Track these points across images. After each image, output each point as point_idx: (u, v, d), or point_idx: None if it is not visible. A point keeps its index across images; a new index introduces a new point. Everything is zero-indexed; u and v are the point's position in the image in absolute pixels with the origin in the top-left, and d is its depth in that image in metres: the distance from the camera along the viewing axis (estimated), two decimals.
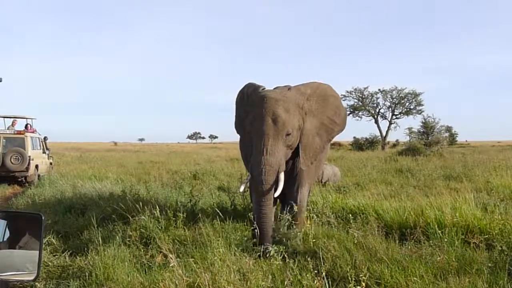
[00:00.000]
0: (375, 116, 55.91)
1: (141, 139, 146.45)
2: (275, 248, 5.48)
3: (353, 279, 4.50)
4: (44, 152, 17.90)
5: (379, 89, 55.79)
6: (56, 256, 6.10)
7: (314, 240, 5.99)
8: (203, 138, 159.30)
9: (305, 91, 6.91)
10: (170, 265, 5.07)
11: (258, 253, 5.82)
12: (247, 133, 6.74)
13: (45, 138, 18.34)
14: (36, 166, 16.28)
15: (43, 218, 2.48)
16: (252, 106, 6.58)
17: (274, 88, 6.96)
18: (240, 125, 7.27)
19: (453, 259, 5.26)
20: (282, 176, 6.42)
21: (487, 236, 6.22)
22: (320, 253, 5.47)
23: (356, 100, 56.56)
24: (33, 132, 17.01)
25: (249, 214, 7.57)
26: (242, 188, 6.68)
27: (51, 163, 19.28)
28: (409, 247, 5.89)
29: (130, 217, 7.44)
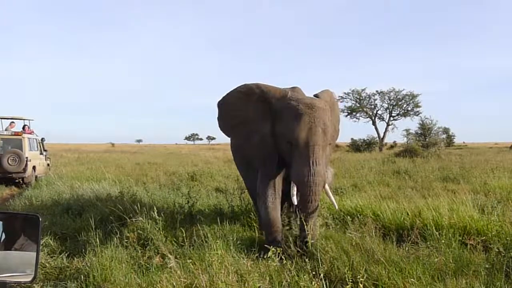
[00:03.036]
0: (373, 118, 55.97)
1: (139, 140, 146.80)
2: (273, 249, 5.48)
3: (351, 280, 4.50)
4: (41, 153, 17.87)
5: (376, 91, 55.93)
6: (54, 258, 6.09)
7: (312, 241, 6.00)
8: (201, 139, 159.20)
9: (328, 99, 6.82)
10: (169, 265, 5.07)
11: (256, 255, 5.85)
12: (273, 141, 6.50)
13: (42, 139, 18.30)
14: (34, 167, 16.26)
15: (40, 219, 2.48)
16: (293, 116, 6.21)
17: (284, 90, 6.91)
18: (239, 127, 6.93)
19: (450, 261, 5.26)
20: (327, 187, 6.44)
21: (484, 237, 6.23)
22: (318, 255, 5.47)
23: (353, 102, 56.66)
24: (30, 133, 16.98)
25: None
26: (295, 200, 6.29)
27: (48, 164, 19.27)
28: (407, 248, 5.89)
29: (127, 219, 7.43)
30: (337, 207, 6.86)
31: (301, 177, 6.10)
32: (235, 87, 7.15)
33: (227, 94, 7.23)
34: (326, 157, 6.55)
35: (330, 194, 6.54)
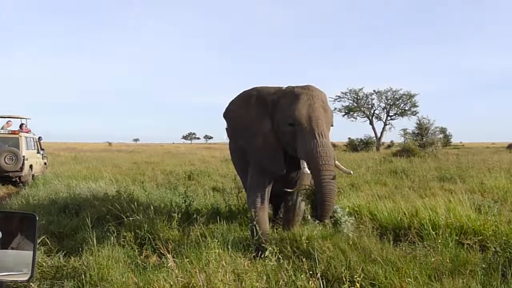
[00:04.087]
0: (370, 117, 56.07)
1: (136, 139, 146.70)
2: (270, 249, 5.48)
3: (348, 280, 4.51)
4: (38, 152, 17.84)
5: (374, 90, 56.05)
6: (50, 257, 6.07)
7: (307, 241, 6.00)
8: (198, 138, 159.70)
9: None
10: (168, 264, 5.07)
11: (254, 254, 5.85)
12: (275, 139, 6.48)
13: (39, 138, 18.28)
14: (31, 166, 16.23)
15: (37, 218, 2.47)
16: (292, 98, 6.27)
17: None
18: (244, 132, 6.86)
19: (447, 260, 5.27)
20: (337, 162, 6.29)
21: (481, 237, 6.24)
22: (315, 254, 5.47)
23: (351, 101, 56.74)
24: (27, 132, 16.95)
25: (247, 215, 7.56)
26: (307, 170, 6.03)
27: (45, 163, 19.22)
28: (404, 248, 5.90)
29: (124, 218, 7.42)
30: (352, 173, 6.85)
31: (309, 151, 5.99)
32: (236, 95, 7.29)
33: (229, 103, 7.30)
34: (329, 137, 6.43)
35: (341, 166, 6.41)
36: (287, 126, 6.25)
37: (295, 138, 6.20)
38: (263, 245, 5.85)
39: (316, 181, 6.05)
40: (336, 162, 6.25)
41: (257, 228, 6.34)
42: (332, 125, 6.44)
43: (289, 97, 6.35)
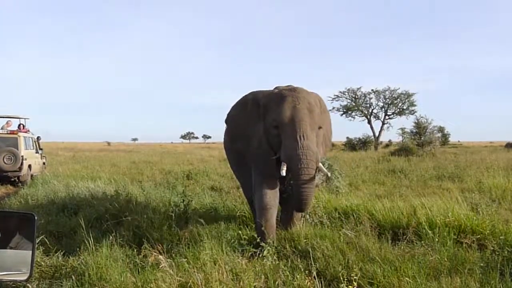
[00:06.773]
0: (368, 116, 56.07)
1: (135, 139, 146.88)
2: (268, 248, 5.48)
3: (346, 279, 4.52)
4: (37, 152, 17.82)
5: (372, 90, 56.01)
6: (49, 256, 6.07)
7: (305, 240, 6.00)
8: (196, 138, 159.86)
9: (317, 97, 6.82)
10: (161, 266, 5.07)
11: (252, 253, 5.84)
12: (260, 136, 6.47)
13: (38, 138, 18.27)
14: (29, 166, 16.21)
15: (35, 218, 2.48)
16: (278, 101, 6.24)
17: (274, 88, 6.93)
18: (242, 136, 6.86)
19: (445, 259, 5.29)
20: (321, 164, 6.22)
21: (479, 236, 6.26)
22: (312, 253, 5.48)
23: (349, 101, 56.74)
24: (26, 132, 16.94)
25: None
26: (284, 173, 5.99)
27: (44, 163, 19.21)
28: (402, 247, 5.91)
29: (123, 217, 7.42)
30: (329, 175, 6.69)
31: (289, 153, 5.93)
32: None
33: (231, 108, 7.31)
34: (317, 141, 6.36)
35: (323, 168, 6.31)
36: (273, 129, 6.25)
37: (280, 141, 6.18)
38: (261, 243, 5.85)
39: (294, 183, 6.01)
40: (320, 164, 6.20)
41: (264, 234, 6.20)
42: (320, 127, 6.39)
43: (276, 99, 6.32)
